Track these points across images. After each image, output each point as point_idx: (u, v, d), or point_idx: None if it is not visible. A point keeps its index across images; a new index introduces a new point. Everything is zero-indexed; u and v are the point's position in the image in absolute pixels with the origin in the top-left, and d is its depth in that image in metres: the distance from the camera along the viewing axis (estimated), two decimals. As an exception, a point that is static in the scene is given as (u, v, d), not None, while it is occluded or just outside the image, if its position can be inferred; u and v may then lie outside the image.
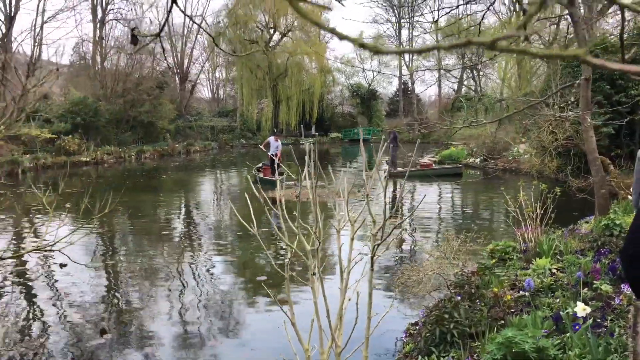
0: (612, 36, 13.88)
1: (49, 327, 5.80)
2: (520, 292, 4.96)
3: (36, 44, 28.70)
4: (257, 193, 2.75)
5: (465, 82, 50.71)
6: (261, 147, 17.38)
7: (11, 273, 7.90)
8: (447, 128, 8.81)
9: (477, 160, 21.75)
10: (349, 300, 2.58)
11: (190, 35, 44.96)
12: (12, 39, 27.70)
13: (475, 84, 47.78)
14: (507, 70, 30.91)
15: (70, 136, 27.32)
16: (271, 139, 17.36)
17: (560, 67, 13.31)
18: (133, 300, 6.74)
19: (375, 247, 2.42)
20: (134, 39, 1.65)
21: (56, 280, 7.54)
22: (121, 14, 35.71)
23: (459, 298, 4.74)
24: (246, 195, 2.82)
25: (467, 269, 5.33)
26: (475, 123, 7.79)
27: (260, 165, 18.59)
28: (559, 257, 5.98)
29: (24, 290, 7.13)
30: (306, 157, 2.61)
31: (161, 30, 1.74)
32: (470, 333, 4.26)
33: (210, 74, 54.66)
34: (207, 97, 56.54)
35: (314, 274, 2.48)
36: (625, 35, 14.31)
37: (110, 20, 35.91)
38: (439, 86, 54.64)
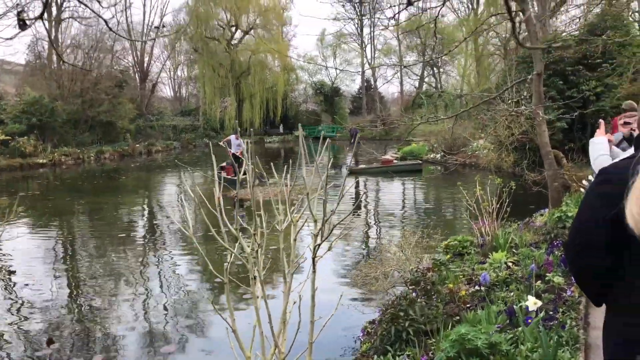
0: (565, 33, 14.24)
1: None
2: (477, 286, 4.98)
3: (-14, 42, 27.48)
4: (217, 193, 2.62)
5: (426, 79, 51.36)
6: (221, 143, 17.13)
7: None
8: (407, 124, 8.83)
9: (438, 155, 22.01)
10: (295, 303, 2.49)
11: (150, 34, 44.02)
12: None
13: (435, 81, 48.46)
14: (467, 67, 31.42)
15: (25, 137, 26.33)
16: (232, 137, 17.11)
17: (516, 63, 13.57)
18: (93, 306, 6.48)
19: (317, 247, 2.33)
20: (22, 24, 1.52)
21: (13, 286, 7.21)
22: (77, 12, 34.52)
23: (415, 295, 4.72)
24: (200, 197, 2.68)
25: (423, 265, 5.33)
26: (433, 119, 7.83)
27: (223, 164, 18.33)
28: (514, 250, 6.04)
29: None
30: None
31: (43, 11, 1.61)
32: (425, 330, 4.23)
33: (172, 73, 53.76)
34: (169, 96, 55.58)
35: (255, 278, 2.37)
36: (576, 33, 14.71)
37: (67, 18, 34.76)
38: (401, 83, 55.20)
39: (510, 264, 5.53)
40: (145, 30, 43.18)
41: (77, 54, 32.81)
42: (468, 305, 4.63)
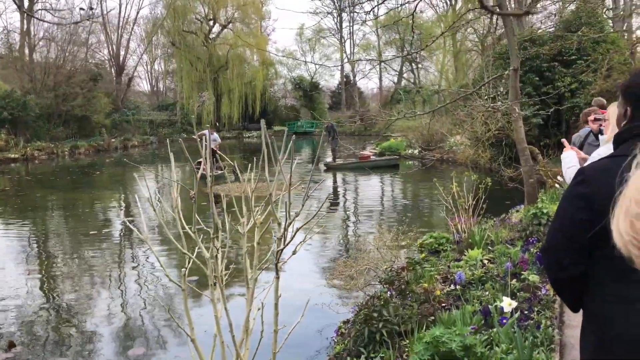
0: (540, 29, 14.30)
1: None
2: (452, 285, 4.90)
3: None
4: (191, 190, 2.46)
5: (405, 75, 51.47)
6: (195, 137, 16.82)
7: None
8: (385, 120, 8.73)
9: (416, 151, 22.04)
10: (258, 310, 2.35)
11: (126, 27, 43.22)
12: None
13: (414, 76, 48.60)
14: (445, 63, 31.53)
15: (-5, 132, 25.67)
16: (206, 131, 16.83)
17: (493, 59, 13.58)
18: (65, 305, 6.26)
19: (279, 252, 2.20)
20: None
21: None
22: (50, 4, 33.68)
23: (390, 294, 4.62)
24: (174, 193, 2.51)
25: (398, 264, 5.23)
26: (410, 114, 7.74)
27: (200, 159, 18.03)
28: (490, 247, 5.99)
29: None
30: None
31: None
32: (399, 331, 4.13)
33: (149, 67, 52.95)
34: (146, 90, 54.76)
35: (214, 284, 2.23)
36: (552, 29, 14.80)
37: (39, 10, 33.87)
38: (380, 79, 55.28)
39: (486, 261, 5.47)
40: (121, 23, 42.37)
41: (51, 47, 32.04)
42: (443, 305, 4.55)
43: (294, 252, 2.35)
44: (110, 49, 42.28)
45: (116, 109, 37.75)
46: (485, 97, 8.11)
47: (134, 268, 7.88)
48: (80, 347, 5.15)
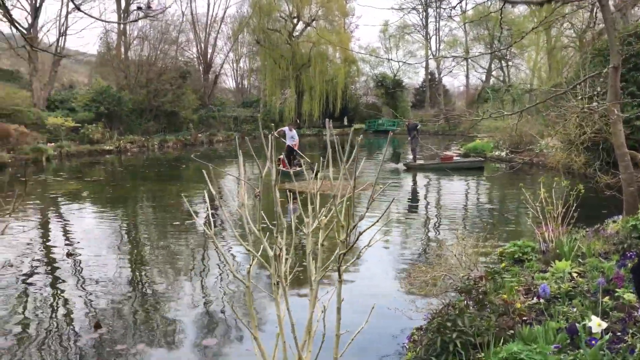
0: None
1: (57, 314, 5.66)
2: (535, 298, 4.56)
3: (61, 34, 28.92)
4: (256, 188, 2.44)
5: (494, 73, 49.48)
6: (275, 134, 17.00)
7: (37, 261, 7.84)
8: (469, 119, 8.35)
9: (503, 153, 21.09)
10: (322, 312, 2.26)
11: (214, 25, 44.93)
12: (38, 28, 27.94)
13: (504, 74, 46.57)
14: (538, 61, 29.84)
15: (93, 125, 27.60)
16: (285, 128, 16.97)
17: (591, 56, 12.62)
18: (150, 292, 6.57)
19: (342, 256, 2.09)
20: None
21: (80, 270, 7.45)
22: (144, 4, 35.63)
23: (466, 304, 4.38)
24: (242, 190, 2.50)
25: (475, 273, 4.95)
26: (496, 114, 7.32)
27: (280, 156, 18.33)
28: (580, 260, 5.54)
29: (39, 280, 7.00)
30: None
31: None
32: (474, 343, 3.90)
33: (235, 64, 54.72)
34: (231, 87, 56.68)
35: (277, 284, 2.17)
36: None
37: (135, 10, 35.95)
38: (467, 77, 53.53)
39: (575, 274, 5.05)
40: (209, 21, 44.08)
41: (144, 45, 33.96)
42: (524, 319, 4.24)
43: (358, 257, 2.24)
44: (198, 47, 44.19)
45: (203, 105, 39.36)
46: (581, 97, 7.52)
47: (214, 259, 8.10)
48: (160, 332, 5.35)
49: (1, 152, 20.65)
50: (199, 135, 34.76)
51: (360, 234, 2.19)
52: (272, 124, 4.01)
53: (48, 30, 64.95)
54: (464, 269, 5.23)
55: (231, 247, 8.54)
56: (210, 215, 2.56)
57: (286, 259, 2.25)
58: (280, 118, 42.25)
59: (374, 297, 5.85)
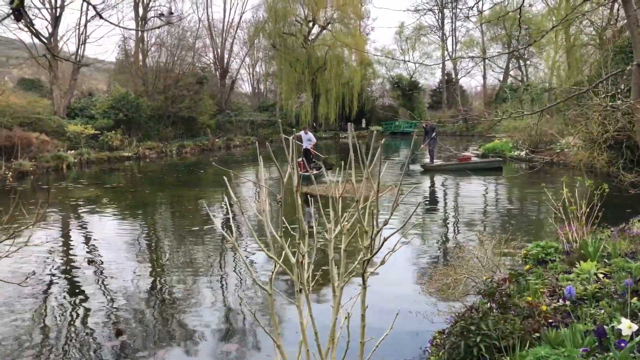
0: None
1: (76, 321, 5.71)
2: (560, 300, 4.46)
3: (81, 42, 29.36)
4: (277, 194, 2.42)
5: (511, 73, 48.94)
6: (291, 139, 16.95)
7: (58, 268, 7.93)
8: (488, 120, 8.22)
9: (522, 153, 20.82)
10: (345, 319, 2.22)
11: (230, 31, 45.23)
12: (58, 38, 28.43)
13: (522, 74, 46.01)
14: (556, 59, 29.40)
15: (113, 132, 27.93)
16: (302, 132, 17.08)
17: (612, 54, 12.38)
18: (169, 297, 6.59)
19: (366, 262, 2.05)
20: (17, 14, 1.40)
21: (101, 276, 7.53)
22: (161, 11, 36.07)
23: (489, 307, 4.30)
24: (263, 196, 2.48)
25: (499, 275, 4.85)
26: (516, 114, 7.20)
27: (299, 159, 18.33)
28: (606, 260, 5.41)
29: (59, 287, 7.08)
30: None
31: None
32: (499, 347, 3.82)
33: (251, 69, 55.01)
34: (247, 91, 56.97)
35: (300, 291, 2.13)
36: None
37: (152, 17, 36.44)
38: (484, 77, 53.04)
39: (600, 275, 4.93)
40: (225, 27, 44.39)
41: (161, 52, 34.31)
42: (550, 321, 4.15)
43: (382, 262, 2.20)
44: (215, 52, 44.54)
45: (220, 110, 39.63)
46: (604, 95, 7.36)
47: (232, 265, 8.11)
48: (180, 338, 5.35)
49: (23, 161, 21.01)
50: (217, 140, 34.99)
51: (385, 239, 2.15)
52: (293, 129, 3.99)
53: (68, 39, 65.80)
54: (486, 271, 5.14)
55: (250, 253, 8.54)
56: (230, 220, 2.54)
57: (308, 264, 2.21)
58: (297, 122, 42.34)
59: (395, 300, 5.78)
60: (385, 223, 2.11)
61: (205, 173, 22.70)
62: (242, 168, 25.31)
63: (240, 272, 7.60)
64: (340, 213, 2.27)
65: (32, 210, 4.32)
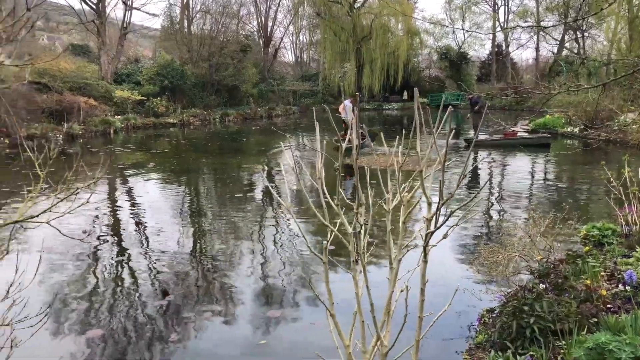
0: None
1: (123, 282, 5.86)
2: (619, 285, 4.24)
3: (127, 8, 29.66)
4: (335, 162, 2.33)
5: (567, 45, 46.74)
6: (340, 111, 16.67)
7: (106, 230, 8.16)
8: (543, 93, 7.82)
9: (576, 129, 19.95)
10: (402, 292, 2.12)
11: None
12: (106, 3, 28.80)
13: (578, 46, 43.85)
14: (617, 31, 27.77)
15: (158, 98, 28.36)
16: (347, 102, 16.59)
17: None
18: (211, 262, 6.68)
19: (429, 235, 1.93)
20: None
21: (146, 239, 7.71)
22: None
23: (544, 288, 4.11)
24: (319, 163, 2.39)
25: (554, 256, 4.64)
26: (575, 88, 6.79)
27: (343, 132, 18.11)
28: (669, 244, 5.11)
29: (107, 248, 7.28)
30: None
31: None
32: (554, 330, 3.65)
33: (294, 38, 54.56)
34: (290, 61, 56.65)
35: (356, 261, 2.04)
36: None
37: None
38: (537, 49, 50.85)
39: (664, 260, 4.65)
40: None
41: (206, 19, 34.34)
42: (609, 307, 3.94)
43: (445, 236, 2.08)
44: (259, 20, 44.28)
45: (263, 79, 39.58)
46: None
47: (274, 232, 8.12)
48: (224, 302, 5.40)
49: (73, 124, 21.62)
50: (259, 109, 35.07)
51: (452, 212, 2.02)
52: (331, 98, 3.84)
53: (115, 5, 66.97)
54: (539, 251, 4.93)
55: (298, 222, 8.53)
56: (286, 185, 2.45)
57: (363, 235, 2.11)
58: (339, 92, 41.90)
59: (440, 276, 5.65)
60: (452, 195, 1.98)
61: (247, 142, 22.83)
62: (284, 138, 25.32)
63: (280, 239, 7.61)
64: (399, 184, 2.15)
65: (86, 171, 4.44)
